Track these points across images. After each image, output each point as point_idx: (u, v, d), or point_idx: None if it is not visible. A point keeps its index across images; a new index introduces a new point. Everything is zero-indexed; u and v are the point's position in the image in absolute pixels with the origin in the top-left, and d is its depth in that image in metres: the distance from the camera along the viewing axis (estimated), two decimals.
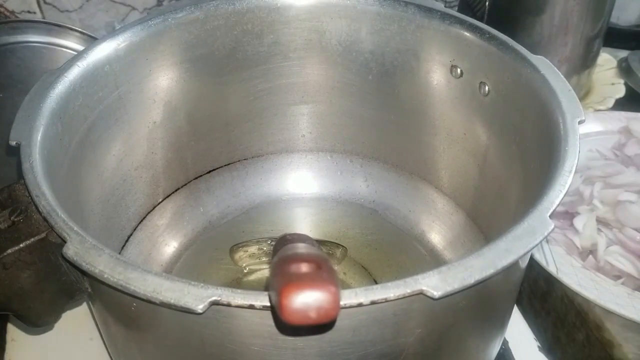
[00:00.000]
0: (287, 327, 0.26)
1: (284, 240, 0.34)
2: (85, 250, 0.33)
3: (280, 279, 0.27)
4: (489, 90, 0.51)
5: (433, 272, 0.31)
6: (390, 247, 0.59)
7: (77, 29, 0.63)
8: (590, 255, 0.56)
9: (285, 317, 0.26)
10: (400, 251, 0.59)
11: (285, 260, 0.28)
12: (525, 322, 0.58)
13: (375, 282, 0.55)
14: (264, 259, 0.57)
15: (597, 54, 0.72)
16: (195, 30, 0.54)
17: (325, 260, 0.28)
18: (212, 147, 0.61)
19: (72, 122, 0.46)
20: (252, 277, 0.56)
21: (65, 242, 0.33)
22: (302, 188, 0.64)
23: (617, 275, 0.55)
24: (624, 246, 0.56)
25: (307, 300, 0.25)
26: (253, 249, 0.56)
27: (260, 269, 0.57)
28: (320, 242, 0.56)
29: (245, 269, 0.57)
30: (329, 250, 0.56)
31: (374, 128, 0.61)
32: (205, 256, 0.58)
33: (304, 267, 0.27)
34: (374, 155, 0.63)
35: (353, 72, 0.58)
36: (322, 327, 0.27)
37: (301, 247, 0.30)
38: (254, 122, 0.61)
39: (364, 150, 0.63)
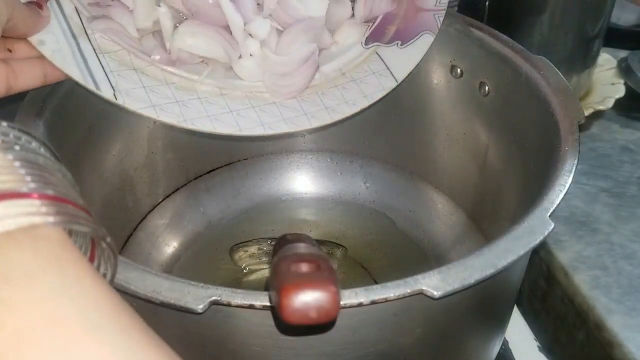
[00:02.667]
0: (288, 327, 0.26)
1: (284, 240, 0.34)
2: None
3: (281, 279, 0.27)
4: (489, 90, 0.51)
5: (433, 272, 0.31)
6: (390, 247, 0.59)
7: None
8: (157, 45, 0.44)
9: (286, 317, 0.26)
10: (401, 251, 0.59)
11: (285, 260, 0.28)
12: (525, 322, 0.58)
13: (375, 282, 0.55)
14: (264, 259, 0.57)
15: (597, 54, 0.72)
16: None
17: (325, 260, 0.28)
18: (212, 147, 0.61)
19: (72, 122, 0.46)
20: (252, 277, 0.56)
21: None
22: (302, 188, 0.64)
23: (202, 63, 0.45)
24: (200, 18, 0.43)
25: (307, 300, 0.26)
26: (253, 249, 0.56)
27: (260, 269, 0.57)
28: (320, 242, 0.56)
29: (245, 269, 0.57)
30: (329, 250, 0.56)
31: (374, 128, 0.61)
32: (205, 256, 0.58)
33: (304, 267, 0.27)
34: (374, 155, 0.63)
35: None
36: (322, 326, 0.27)
37: (301, 247, 0.30)
38: None
39: (364, 150, 0.63)
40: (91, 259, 0.24)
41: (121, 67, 0.42)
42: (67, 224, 0.21)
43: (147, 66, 0.43)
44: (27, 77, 0.40)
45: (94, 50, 0.41)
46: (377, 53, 0.51)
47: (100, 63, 0.41)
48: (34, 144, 0.23)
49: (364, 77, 0.50)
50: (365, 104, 0.49)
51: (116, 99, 0.41)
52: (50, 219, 0.20)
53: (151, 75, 0.43)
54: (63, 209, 0.21)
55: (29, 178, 0.21)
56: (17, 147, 0.22)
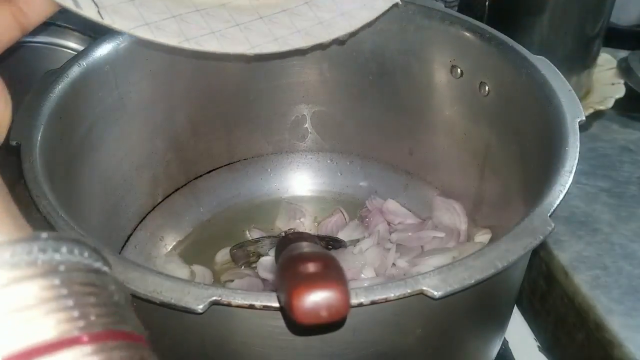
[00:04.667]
0: (298, 327, 0.27)
1: (286, 240, 0.34)
2: None
3: (289, 280, 0.27)
4: (489, 91, 0.51)
5: (433, 272, 0.31)
6: None
7: (77, 29, 0.63)
8: None
9: (297, 317, 0.26)
10: None
11: (292, 260, 0.28)
12: (525, 322, 0.58)
13: None
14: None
15: (597, 54, 0.72)
16: None
17: (332, 259, 0.28)
18: (212, 147, 0.61)
19: (72, 122, 0.46)
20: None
21: None
22: (302, 188, 0.64)
23: None
24: None
25: (317, 299, 0.26)
26: (252, 248, 0.56)
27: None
28: (320, 238, 0.57)
29: (245, 269, 0.57)
30: (327, 245, 0.56)
31: (374, 128, 0.61)
32: (206, 256, 0.58)
33: (311, 267, 0.27)
34: (374, 155, 0.63)
35: (353, 72, 0.58)
36: (332, 325, 0.27)
37: (305, 246, 0.30)
38: (254, 122, 0.61)
39: (364, 150, 0.63)
40: None
41: None
42: None
43: None
44: (36, 8, 0.34)
45: None
46: None
47: None
48: (77, 253, 0.21)
49: None
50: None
51: (102, 18, 0.34)
52: None
53: None
54: (115, 354, 0.20)
55: (76, 313, 0.19)
56: (62, 268, 0.20)
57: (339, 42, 0.43)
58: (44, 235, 0.20)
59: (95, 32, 0.66)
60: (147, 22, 0.35)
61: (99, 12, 0.34)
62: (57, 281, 0.20)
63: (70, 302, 0.20)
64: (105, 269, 0.22)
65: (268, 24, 0.39)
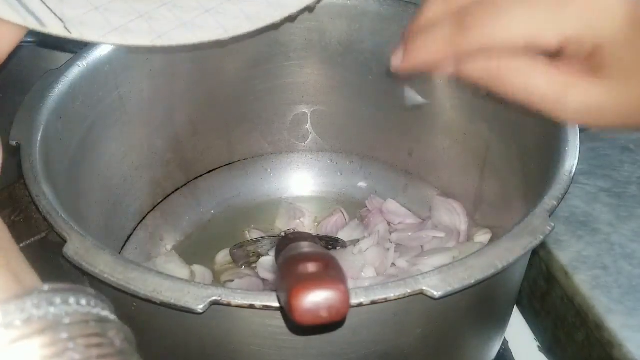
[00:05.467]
0: (298, 327, 0.27)
1: (287, 240, 0.34)
2: (85, 250, 0.33)
3: (289, 280, 0.27)
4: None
5: (433, 272, 0.31)
6: None
7: None
8: None
9: (297, 317, 0.26)
10: None
11: (292, 260, 0.28)
12: (525, 322, 0.58)
13: None
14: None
15: None
16: None
17: (331, 259, 0.28)
18: (212, 147, 0.61)
19: (72, 122, 0.46)
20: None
21: (65, 242, 0.33)
22: (302, 188, 0.64)
23: None
24: None
25: (317, 299, 0.26)
26: (252, 248, 0.56)
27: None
28: (320, 238, 0.57)
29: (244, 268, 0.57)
30: (327, 245, 0.56)
31: (374, 128, 0.61)
32: (206, 256, 0.58)
33: (311, 267, 0.27)
34: (374, 155, 0.63)
35: (353, 72, 0.58)
36: (332, 325, 0.27)
37: (305, 246, 0.30)
38: (254, 122, 0.61)
39: (364, 150, 0.63)
40: None
41: None
42: None
43: None
44: (4, 37, 0.33)
45: None
46: None
47: None
48: (73, 302, 0.21)
49: None
50: None
51: (70, 32, 0.33)
52: None
53: None
54: None
55: None
56: (66, 321, 0.20)
57: (309, 9, 0.42)
58: (40, 288, 0.20)
59: None
60: (115, 27, 0.35)
61: (65, 27, 0.33)
62: (56, 337, 0.19)
63: (76, 356, 0.19)
64: (106, 313, 0.22)
65: (237, 3, 0.39)
